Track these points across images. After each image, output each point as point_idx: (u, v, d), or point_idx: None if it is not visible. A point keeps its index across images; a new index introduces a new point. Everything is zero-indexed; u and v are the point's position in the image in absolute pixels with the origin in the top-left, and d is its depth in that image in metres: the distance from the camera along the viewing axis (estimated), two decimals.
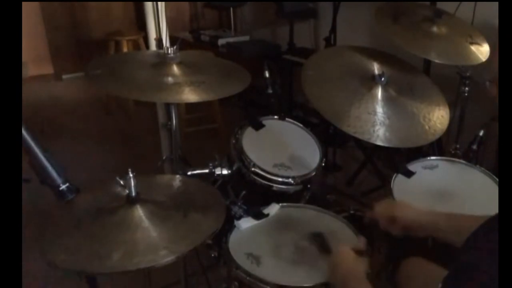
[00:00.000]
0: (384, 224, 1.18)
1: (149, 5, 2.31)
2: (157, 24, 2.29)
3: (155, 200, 1.13)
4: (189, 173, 1.47)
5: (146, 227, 1.04)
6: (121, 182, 1.09)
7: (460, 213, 1.11)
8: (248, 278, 1.10)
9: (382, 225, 1.18)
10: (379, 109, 1.56)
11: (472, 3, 2.23)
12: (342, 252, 1.08)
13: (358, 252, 1.09)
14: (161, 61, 1.53)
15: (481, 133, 1.69)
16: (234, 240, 1.23)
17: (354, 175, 2.71)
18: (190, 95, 1.40)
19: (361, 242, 1.13)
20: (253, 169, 1.41)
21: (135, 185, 1.08)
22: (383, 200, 1.23)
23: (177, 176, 1.34)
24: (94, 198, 1.16)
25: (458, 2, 2.20)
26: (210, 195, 1.22)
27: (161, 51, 1.58)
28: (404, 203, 1.19)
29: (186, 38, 4.07)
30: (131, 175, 1.07)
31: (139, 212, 1.07)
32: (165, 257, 0.95)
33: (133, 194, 1.08)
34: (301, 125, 1.67)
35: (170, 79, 1.45)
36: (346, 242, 1.15)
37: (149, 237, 1.02)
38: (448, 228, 1.06)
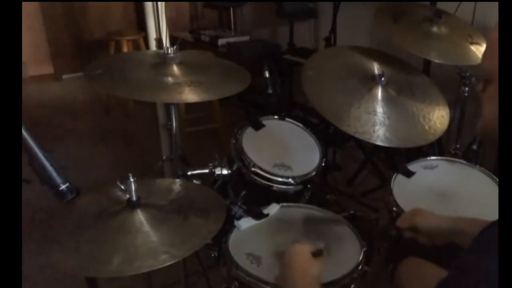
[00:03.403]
0: (408, 234, 1.16)
1: (149, 5, 2.30)
2: (157, 24, 2.29)
3: (156, 204, 1.13)
4: (189, 173, 1.47)
5: (147, 231, 1.04)
6: (122, 187, 1.09)
7: (483, 219, 1.09)
8: (248, 278, 1.10)
9: (407, 236, 1.16)
10: (379, 109, 1.56)
11: (472, 3, 2.23)
12: (296, 251, 1.01)
13: (315, 253, 1.02)
14: (161, 61, 1.53)
15: None
16: (234, 240, 1.23)
17: (354, 175, 2.71)
18: (190, 95, 1.40)
19: (319, 243, 1.06)
20: (253, 169, 1.41)
21: (136, 190, 1.08)
22: (404, 214, 1.20)
23: (177, 180, 1.34)
24: (95, 201, 1.16)
25: (458, 2, 2.20)
26: (210, 198, 1.22)
27: (161, 51, 1.58)
28: (424, 211, 1.18)
29: (186, 38, 4.07)
30: (132, 179, 1.07)
31: (140, 216, 1.07)
32: (165, 262, 0.95)
33: (134, 198, 1.08)
34: (301, 125, 1.67)
35: (170, 79, 1.46)
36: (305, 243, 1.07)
37: (150, 242, 1.01)
38: (470, 233, 1.05)
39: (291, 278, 0.96)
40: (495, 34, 0.70)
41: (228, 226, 1.25)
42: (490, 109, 0.71)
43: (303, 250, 1.01)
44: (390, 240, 1.23)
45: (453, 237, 1.09)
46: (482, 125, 0.76)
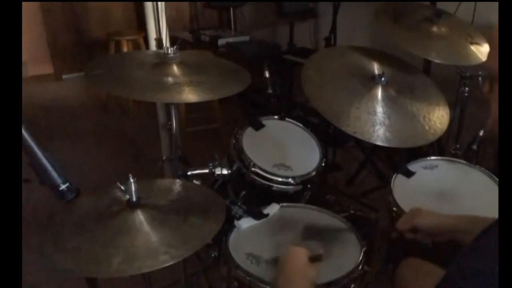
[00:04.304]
0: (409, 236, 1.16)
1: (149, 5, 2.31)
2: (157, 24, 2.30)
3: (156, 204, 1.13)
4: (189, 173, 1.47)
5: (147, 231, 1.04)
6: (122, 187, 1.09)
7: (483, 216, 1.09)
8: (248, 278, 1.10)
9: (408, 237, 1.16)
10: (379, 109, 1.56)
11: (472, 3, 2.23)
12: (294, 254, 1.03)
13: (312, 258, 1.03)
14: (161, 61, 1.53)
15: (481, 133, 1.69)
16: (234, 240, 1.23)
17: (354, 175, 2.71)
18: (190, 95, 1.40)
19: (319, 248, 1.07)
20: (253, 169, 1.41)
21: (136, 190, 1.08)
22: (402, 216, 1.20)
23: (177, 180, 1.34)
24: (95, 202, 1.16)
25: (458, 2, 2.20)
26: (210, 199, 1.22)
27: (161, 51, 1.58)
28: (423, 210, 1.18)
29: (186, 38, 4.07)
30: (131, 180, 1.07)
31: (140, 216, 1.07)
32: (165, 262, 0.95)
33: (134, 199, 1.08)
34: (301, 125, 1.67)
35: (170, 79, 1.46)
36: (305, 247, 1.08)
37: (150, 242, 1.02)
38: (471, 231, 1.05)
39: (285, 278, 0.98)
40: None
41: (228, 226, 1.25)
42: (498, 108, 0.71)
43: (300, 254, 1.02)
44: (390, 240, 1.23)
45: (455, 235, 1.09)
46: (490, 126, 0.76)
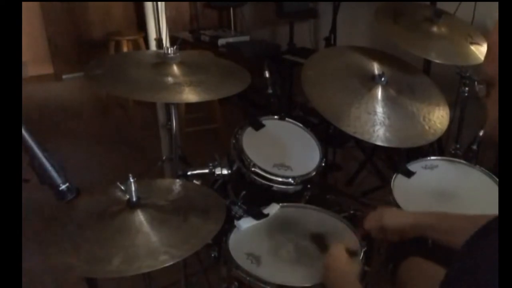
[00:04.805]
0: (378, 235, 1.18)
1: (149, 5, 2.31)
2: (157, 24, 2.30)
3: (156, 204, 1.13)
4: (189, 173, 1.47)
5: (147, 231, 1.04)
6: (122, 187, 1.09)
7: (454, 212, 1.10)
8: (248, 278, 1.10)
9: (377, 236, 1.19)
10: (379, 109, 1.57)
11: (472, 3, 2.23)
12: (334, 253, 1.09)
13: (351, 253, 1.10)
14: (161, 61, 1.53)
15: (481, 133, 1.69)
16: (234, 240, 1.23)
17: (354, 175, 2.71)
18: (190, 95, 1.40)
19: (354, 242, 1.13)
20: (253, 169, 1.41)
21: (136, 190, 1.08)
22: (369, 214, 1.22)
23: (177, 180, 1.34)
24: (95, 202, 1.16)
25: (458, 2, 2.20)
26: (210, 199, 1.22)
27: (161, 51, 1.58)
28: (390, 209, 1.20)
29: (186, 38, 4.07)
30: (131, 180, 1.07)
31: (140, 216, 1.07)
32: (165, 262, 0.95)
33: (134, 199, 1.09)
34: (301, 125, 1.67)
35: (170, 79, 1.46)
36: (341, 241, 1.15)
37: (150, 242, 1.02)
38: (441, 228, 1.06)
39: (335, 281, 1.05)
40: (495, 37, 0.69)
41: (228, 226, 1.25)
42: (495, 113, 0.71)
43: (340, 254, 1.09)
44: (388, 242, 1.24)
45: (422, 232, 1.10)
46: (488, 130, 0.76)
